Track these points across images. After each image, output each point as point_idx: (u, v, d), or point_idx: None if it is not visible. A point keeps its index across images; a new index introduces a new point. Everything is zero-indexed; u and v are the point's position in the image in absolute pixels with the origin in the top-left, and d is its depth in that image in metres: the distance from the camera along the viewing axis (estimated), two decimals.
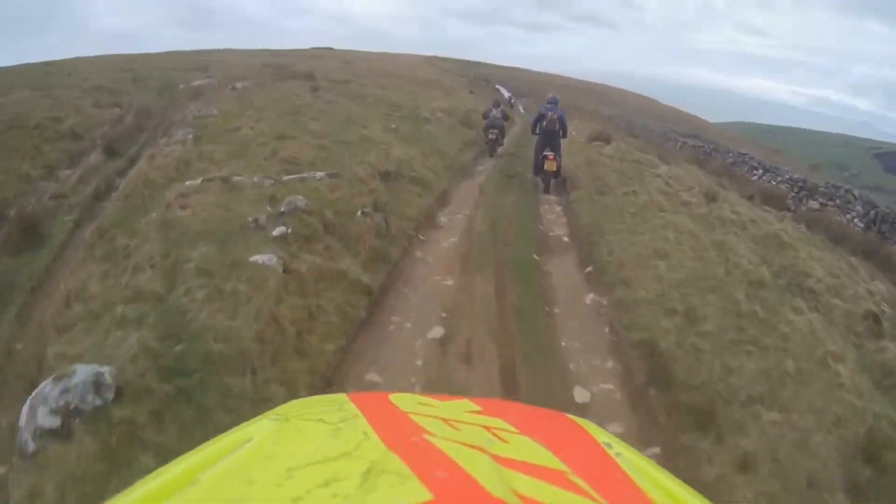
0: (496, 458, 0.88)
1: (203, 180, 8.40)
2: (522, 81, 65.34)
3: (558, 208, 11.93)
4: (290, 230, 6.97)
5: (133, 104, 23.08)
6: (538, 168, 12.86)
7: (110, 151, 15.25)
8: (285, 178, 8.63)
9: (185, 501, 0.78)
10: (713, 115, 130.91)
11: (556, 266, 8.46)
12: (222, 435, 1.04)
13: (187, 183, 8.47)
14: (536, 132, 12.90)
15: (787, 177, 21.63)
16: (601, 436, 1.13)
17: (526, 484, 0.82)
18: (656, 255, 8.17)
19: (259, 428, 1.05)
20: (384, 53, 76.65)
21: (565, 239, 9.89)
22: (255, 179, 8.42)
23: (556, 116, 12.55)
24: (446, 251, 8.58)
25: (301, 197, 7.74)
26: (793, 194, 20.39)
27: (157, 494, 0.81)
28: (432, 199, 10.64)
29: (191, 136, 11.83)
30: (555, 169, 12.54)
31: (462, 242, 8.90)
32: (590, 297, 7.47)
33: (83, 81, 25.26)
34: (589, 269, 8.33)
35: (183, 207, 7.46)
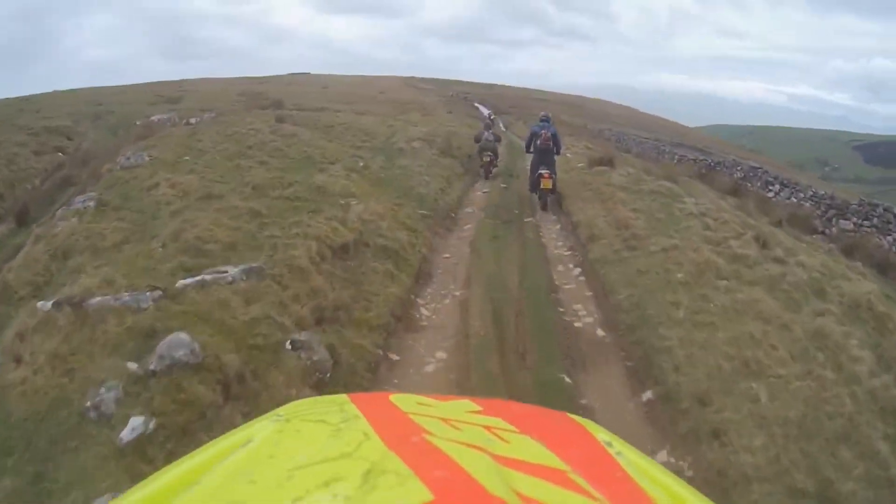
0: (496, 457, 0.86)
1: (53, 304, 5.37)
2: (502, 98, 64.66)
3: (575, 270, 9.18)
4: (152, 425, 4.03)
5: (81, 147, 21.19)
6: (534, 186, 12.81)
7: (22, 219, 12.74)
8: (180, 283, 5.76)
9: (186, 502, 0.76)
10: (693, 120, 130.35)
11: (597, 394, 5.66)
12: (223, 436, 1.01)
13: (39, 304, 5.62)
14: (530, 151, 13.06)
15: (811, 193, 19.08)
16: (601, 434, 1.09)
17: (526, 483, 0.79)
18: (746, 369, 5.46)
19: (260, 429, 1.01)
20: (363, 76, 76.25)
21: (599, 332, 7.05)
22: (127, 297, 5.32)
23: (549, 134, 12.59)
24: (432, 381, 5.71)
25: (186, 336, 4.67)
26: (819, 213, 17.78)
27: (160, 496, 0.79)
28: (408, 277, 7.85)
29: (93, 203, 8.98)
30: (551, 187, 12.46)
31: (455, 359, 6.11)
32: (662, 459, 4.63)
33: (42, 120, 24.12)
34: (648, 395, 5.54)
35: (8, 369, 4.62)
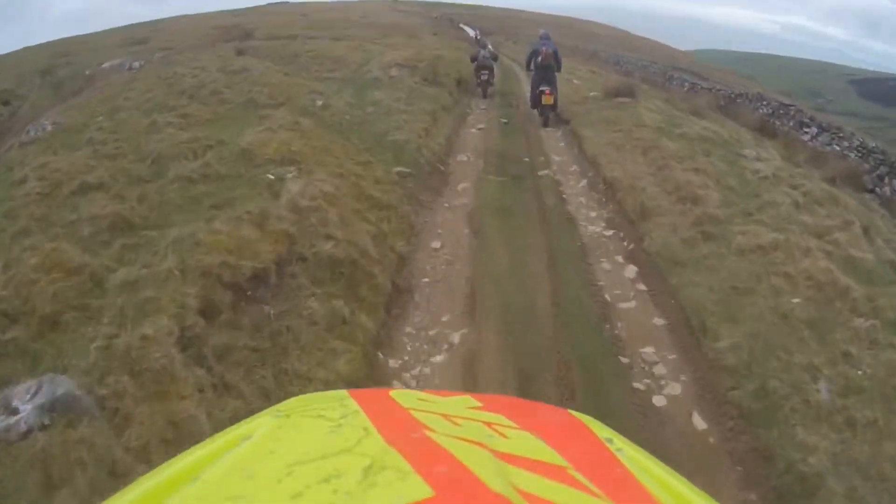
0: (497, 453, 0.84)
1: None
2: (488, 19, 63.12)
3: (629, 270, 6.18)
4: None
5: (18, 113, 18.24)
6: (535, 102, 12.81)
7: None
8: None
9: (185, 498, 0.74)
10: (683, 44, 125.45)
11: None
12: (223, 432, 0.97)
13: None
14: (531, 69, 12.94)
15: (857, 143, 15.54)
16: (602, 431, 1.05)
17: (527, 479, 0.77)
18: None
19: (259, 424, 0.98)
20: (345, 2, 73.14)
21: (697, 421, 4.13)
22: None
23: (550, 52, 12.45)
24: None
25: None
26: (867, 167, 14.18)
27: (158, 491, 0.77)
28: (371, 318, 4.67)
29: None
30: (552, 103, 12.43)
31: None
32: None
33: None
34: None
35: None
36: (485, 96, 15.65)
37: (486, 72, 15.55)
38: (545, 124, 12.53)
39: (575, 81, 15.18)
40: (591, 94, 14.21)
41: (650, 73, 28.36)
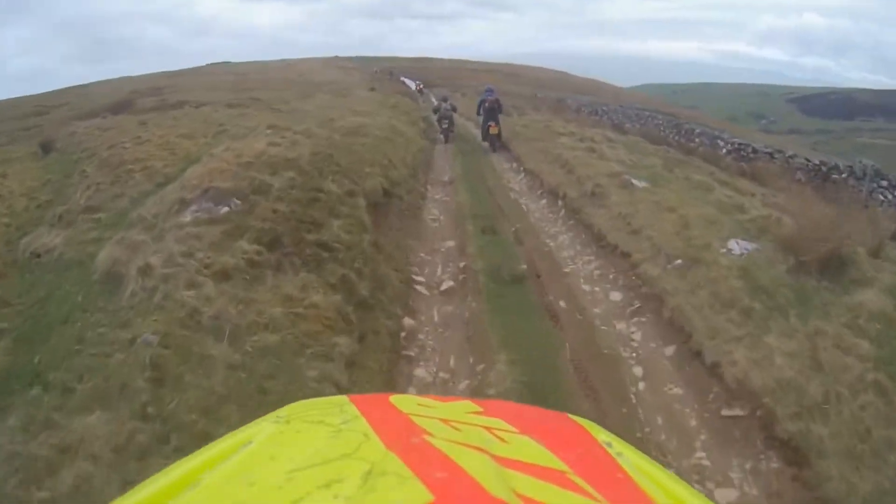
0: (497, 458, 0.84)
1: None
2: (432, 71, 63.64)
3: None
4: None
5: None
6: (485, 136, 16.11)
7: None
8: None
9: (186, 503, 0.75)
10: (626, 82, 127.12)
11: None
12: (223, 437, 0.98)
13: None
14: (480, 113, 16.45)
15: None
16: (602, 435, 1.06)
17: (526, 484, 0.77)
18: None
19: (260, 430, 0.98)
20: (285, 60, 71.79)
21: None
22: None
23: (494, 99, 15.82)
24: None
25: None
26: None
27: (160, 496, 0.77)
28: None
29: None
30: (497, 133, 15.74)
31: None
32: None
33: None
34: None
35: None
36: (447, 141, 17.62)
37: (447, 121, 17.66)
38: (493, 150, 15.86)
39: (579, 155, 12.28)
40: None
41: (616, 114, 28.87)
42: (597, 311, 5.90)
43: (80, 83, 49.25)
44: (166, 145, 10.92)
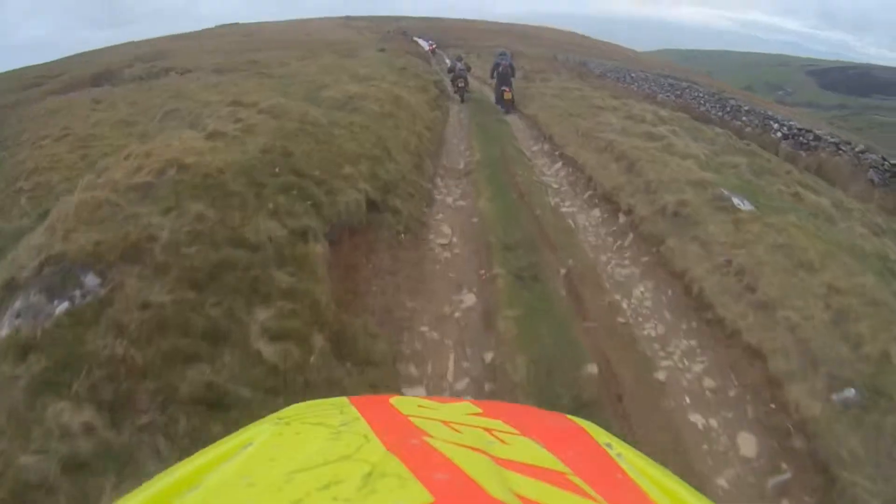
0: (496, 459, 0.84)
1: None
2: (446, 31, 59.45)
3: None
4: None
5: None
6: (499, 99, 16.41)
7: None
8: None
9: None
10: (641, 45, 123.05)
11: None
12: (224, 439, 0.96)
13: None
14: (493, 77, 16.67)
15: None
16: (602, 436, 1.05)
17: (526, 485, 0.77)
18: None
19: (260, 431, 0.97)
20: (297, 20, 70.12)
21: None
22: None
23: (507, 63, 16.05)
24: None
25: None
26: None
27: (160, 498, 0.77)
28: None
29: None
30: (511, 98, 15.91)
31: None
32: None
33: None
34: None
35: None
36: (462, 101, 17.57)
37: (462, 80, 17.61)
38: (507, 112, 15.84)
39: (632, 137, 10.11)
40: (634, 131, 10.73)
41: (643, 81, 26.60)
42: (723, 482, 3.40)
43: (90, 48, 47.72)
44: (86, 141, 8.80)
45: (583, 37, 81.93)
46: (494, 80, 16.64)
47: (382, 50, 26.45)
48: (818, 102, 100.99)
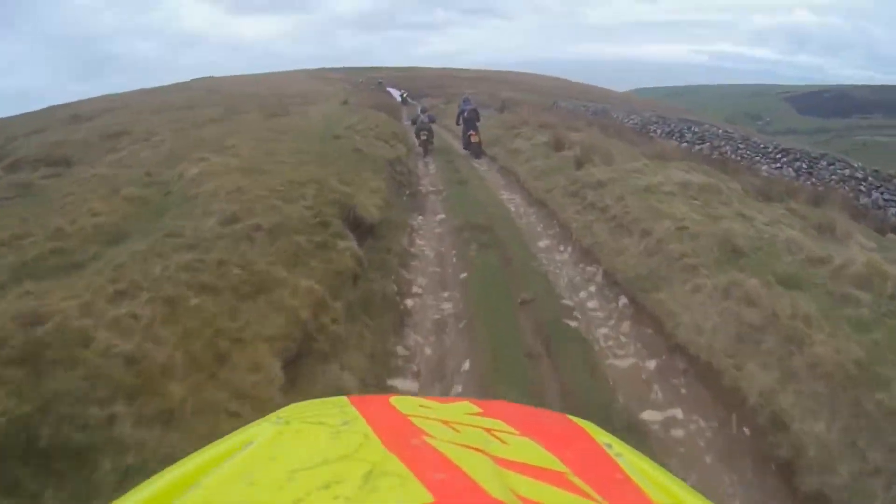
0: (496, 459, 0.82)
1: None
2: (422, 80, 56.79)
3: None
4: None
5: None
6: (466, 144, 15.88)
7: None
8: None
9: None
10: (619, 86, 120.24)
11: None
12: (223, 438, 0.94)
13: None
14: (459, 123, 16.33)
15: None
16: (601, 436, 1.02)
17: (526, 485, 0.75)
18: None
19: (260, 431, 0.94)
20: (268, 74, 66.56)
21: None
22: None
23: (472, 108, 15.73)
24: None
25: None
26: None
27: (160, 498, 0.74)
28: None
29: None
30: (478, 141, 15.39)
31: None
32: None
33: None
34: None
35: None
36: (426, 154, 16.01)
37: (426, 132, 16.03)
38: (477, 157, 15.43)
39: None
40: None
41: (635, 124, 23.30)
42: None
43: (77, 99, 43.54)
44: None
45: (563, 80, 78.92)
46: (461, 126, 16.16)
47: (345, 102, 21.81)
48: (797, 128, 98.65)
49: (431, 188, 11.74)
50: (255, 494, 0.70)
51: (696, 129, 18.98)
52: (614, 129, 17.66)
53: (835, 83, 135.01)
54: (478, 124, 15.64)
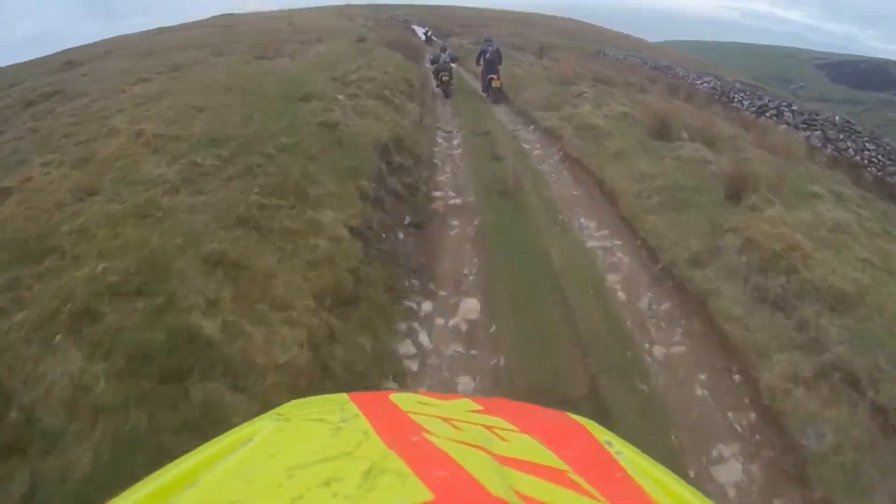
0: (497, 456, 0.80)
1: None
2: (451, 19, 54.54)
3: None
4: None
5: None
6: (486, 87, 15.25)
7: None
8: None
9: (186, 502, 0.71)
10: (647, 36, 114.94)
11: None
12: (223, 435, 0.91)
13: None
14: (480, 63, 15.39)
15: None
16: (602, 434, 1.00)
17: (526, 483, 0.74)
18: None
19: (260, 428, 0.92)
20: (291, 10, 63.40)
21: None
22: None
23: (495, 50, 14.78)
24: None
25: None
26: None
27: (158, 495, 0.73)
28: None
29: None
30: (499, 86, 14.79)
31: None
32: None
33: None
34: None
35: None
36: (447, 97, 15.44)
37: (447, 73, 15.33)
38: (496, 102, 14.79)
39: None
40: None
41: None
42: None
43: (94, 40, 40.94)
44: None
45: (597, 27, 75.20)
46: (481, 67, 15.38)
47: (361, 40, 19.43)
48: (830, 96, 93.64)
49: (454, 198, 7.44)
50: (254, 492, 0.67)
51: (795, 107, 15.57)
52: (688, 95, 14.60)
53: (867, 55, 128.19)
54: (499, 67, 14.93)
